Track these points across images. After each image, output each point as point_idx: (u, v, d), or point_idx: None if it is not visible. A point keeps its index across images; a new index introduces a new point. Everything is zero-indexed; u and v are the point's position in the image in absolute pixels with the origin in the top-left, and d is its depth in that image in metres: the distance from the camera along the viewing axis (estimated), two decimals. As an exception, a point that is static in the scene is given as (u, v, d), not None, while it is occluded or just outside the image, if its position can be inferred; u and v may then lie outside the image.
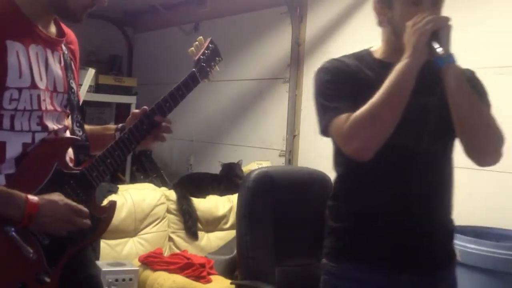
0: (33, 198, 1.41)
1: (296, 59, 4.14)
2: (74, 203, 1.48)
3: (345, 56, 1.73)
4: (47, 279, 1.48)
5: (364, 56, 1.71)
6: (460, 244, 2.62)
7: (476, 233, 2.73)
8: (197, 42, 1.68)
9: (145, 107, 1.65)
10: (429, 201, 1.61)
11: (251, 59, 4.55)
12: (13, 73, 1.42)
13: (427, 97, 1.61)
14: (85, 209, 1.50)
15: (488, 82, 2.91)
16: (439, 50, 1.48)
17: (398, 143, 1.55)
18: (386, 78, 1.55)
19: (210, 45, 1.69)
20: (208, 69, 1.68)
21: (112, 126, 1.76)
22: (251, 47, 4.55)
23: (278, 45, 4.28)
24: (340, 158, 1.68)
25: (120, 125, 1.71)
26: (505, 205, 2.86)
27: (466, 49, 3.20)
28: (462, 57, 3.30)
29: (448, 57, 1.50)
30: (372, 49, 1.73)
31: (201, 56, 1.65)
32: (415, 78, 1.51)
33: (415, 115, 1.58)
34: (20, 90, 1.44)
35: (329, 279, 1.71)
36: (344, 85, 1.62)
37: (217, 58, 1.70)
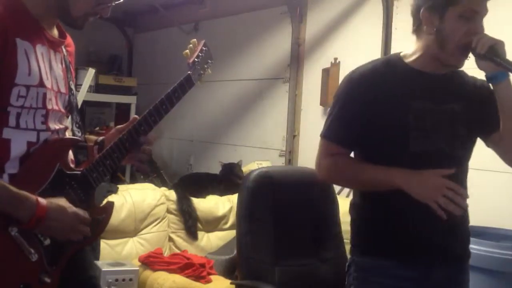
0: (42, 201, 1.42)
1: (296, 59, 4.14)
2: (80, 211, 1.50)
3: (376, 62, 1.76)
4: (48, 280, 1.49)
5: (396, 63, 1.74)
6: (460, 244, 2.62)
7: (476, 233, 2.73)
8: (191, 45, 1.69)
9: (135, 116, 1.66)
10: None
11: (251, 59, 4.56)
12: (22, 70, 1.43)
13: (453, 104, 1.69)
14: (88, 216, 1.52)
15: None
16: (505, 65, 1.57)
17: (428, 147, 1.65)
18: (416, 87, 1.67)
19: (204, 48, 1.71)
20: (201, 71, 1.70)
21: (92, 137, 1.76)
22: (251, 47, 4.55)
23: (278, 45, 4.28)
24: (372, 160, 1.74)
25: (99, 138, 1.71)
26: (505, 205, 2.86)
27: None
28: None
29: (506, 72, 1.60)
30: (402, 54, 1.76)
31: (196, 59, 1.67)
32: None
33: (444, 122, 1.67)
34: (28, 87, 1.45)
35: (362, 275, 1.75)
36: (359, 107, 1.69)
37: (209, 61, 1.72)
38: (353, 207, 1.82)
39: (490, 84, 1.66)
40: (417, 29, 1.71)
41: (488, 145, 1.76)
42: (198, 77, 1.68)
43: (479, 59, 1.62)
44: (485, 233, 2.74)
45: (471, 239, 2.55)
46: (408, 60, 1.73)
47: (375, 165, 1.67)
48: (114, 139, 1.61)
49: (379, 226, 1.73)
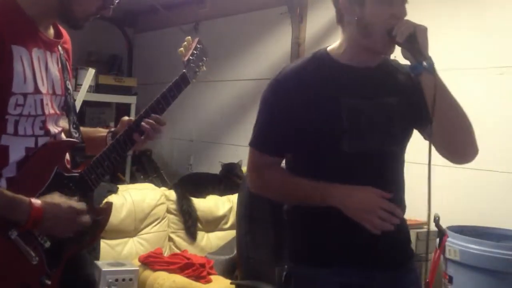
0: (36, 202, 1.41)
1: (296, 59, 4.13)
2: (75, 203, 1.48)
3: (303, 60, 1.67)
4: (48, 282, 1.49)
5: (322, 58, 1.65)
6: (460, 244, 2.62)
7: (476, 233, 2.73)
8: (185, 43, 1.68)
9: (131, 118, 1.66)
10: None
11: (251, 59, 4.55)
12: (18, 79, 1.42)
13: (388, 98, 1.61)
14: (83, 205, 1.50)
15: (488, 82, 2.93)
16: (421, 57, 1.49)
17: (362, 147, 1.57)
18: (346, 84, 1.58)
19: (198, 45, 1.69)
20: (196, 69, 1.68)
21: (102, 129, 1.77)
22: (251, 47, 4.55)
23: (278, 45, 4.28)
24: (293, 164, 1.68)
25: (112, 128, 1.72)
26: (505, 205, 2.86)
27: (466, 50, 3.21)
28: (462, 58, 3.31)
29: (428, 62, 1.50)
30: (329, 49, 1.66)
31: (190, 57, 1.66)
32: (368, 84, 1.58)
33: (380, 119, 1.59)
34: (25, 95, 1.44)
35: (301, 285, 1.65)
36: (286, 111, 1.59)
37: (204, 58, 1.70)
38: (287, 214, 1.73)
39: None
40: (340, 20, 1.62)
41: (425, 138, 1.64)
42: (193, 75, 1.67)
43: (401, 47, 1.53)
44: (485, 233, 2.74)
45: (471, 239, 2.58)
46: (335, 54, 1.63)
47: (308, 181, 1.57)
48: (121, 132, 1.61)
49: (314, 233, 1.64)
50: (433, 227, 2.84)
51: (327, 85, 1.59)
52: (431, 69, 1.50)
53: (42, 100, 1.49)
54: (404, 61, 1.60)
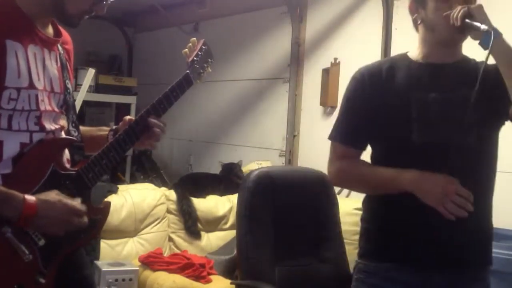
0: (30, 198, 1.40)
1: (296, 59, 4.14)
2: (72, 203, 1.47)
3: (381, 61, 1.78)
4: (43, 280, 1.48)
5: (399, 58, 1.74)
6: (460, 244, 2.62)
7: (476, 233, 2.73)
8: (190, 44, 1.69)
9: (132, 118, 1.66)
10: None
11: (251, 59, 4.55)
12: (11, 73, 1.42)
13: (463, 91, 1.62)
14: (82, 207, 1.49)
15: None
16: (482, 27, 1.51)
17: (433, 138, 1.60)
18: (421, 79, 1.64)
19: (203, 47, 1.70)
20: (201, 70, 1.69)
21: (105, 127, 1.76)
22: (251, 47, 4.55)
23: (278, 45, 4.28)
24: (374, 157, 1.73)
25: (114, 127, 1.71)
26: (505, 205, 2.85)
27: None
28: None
29: (494, 32, 1.52)
30: (408, 53, 1.75)
31: (195, 58, 1.66)
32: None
33: (451, 111, 1.61)
34: (18, 90, 1.44)
35: (365, 278, 1.70)
36: (364, 106, 1.68)
37: (209, 60, 1.71)
38: (362, 208, 1.79)
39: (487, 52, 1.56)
40: (414, 24, 1.73)
41: None
42: (197, 76, 1.67)
43: (465, 33, 1.59)
44: (485, 233, 2.74)
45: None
46: (413, 55, 1.72)
47: (385, 168, 1.63)
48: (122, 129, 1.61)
49: (380, 228, 1.69)
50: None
51: (402, 80, 1.67)
52: (497, 35, 1.52)
53: (37, 96, 1.48)
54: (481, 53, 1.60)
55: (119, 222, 3.49)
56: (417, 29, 1.72)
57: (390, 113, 1.65)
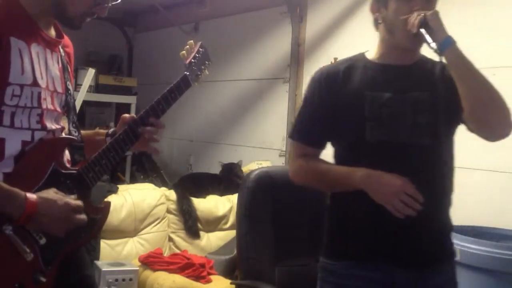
0: (31, 196, 1.40)
1: (296, 59, 4.13)
2: (72, 201, 1.47)
3: (339, 61, 1.78)
4: (43, 279, 1.48)
5: (357, 58, 1.76)
6: (460, 244, 2.62)
7: (476, 233, 2.73)
8: (188, 46, 1.70)
9: (133, 115, 1.67)
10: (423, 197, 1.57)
11: (251, 59, 4.55)
12: (15, 70, 1.43)
13: (417, 93, 1.65)
14: (79, 203, 1.49)
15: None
16: (431, 45, 1.53)
17: (385, 138, 1.62)
18: (376, 79, 1.66)
19: (201, 49, 1.72)
20: (198, 72, 1.71)
21: (102, 131, 1.77)
22: (251, 47, 4.55)
23: (278, 45, 4.28)
24: (336, 158, 1.77)
25: (110, 130, 1.72)
26: (505, 205, 2.86)
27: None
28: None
29: (446, 41, 1.54)
30: (366, 53, 1.77)
31: (193, 60, 1.68)
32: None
33: (405, 112, 1.63)
34: (22, 86, 1.45)
35: (327, 277, 1.73)
36: (322, 105, 1.71)
37: (206, 62, 1.73)
38: (326, 209, 1.83)
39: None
40: (375, 24, 1.74)
41: (468, 129, 1.66)
42: (195, 77, 1.69)
43: (420, 41, 1.59)
44: (485, 233, 2.74)
45: (471, 239, 2.57)
46: (371, 55, 1.74)
47: (340, 166, 1.69)
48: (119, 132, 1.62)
49: (341, 227, 1.73)
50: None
51: (358, 80, 1.68)
52: (448, 44, 1.54)
53: (39, 93, 1.49)
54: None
55: (119, 222, 3.49)
56: (377, 28, 1.73)
57: (345, 112, 1.68)
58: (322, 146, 1.78)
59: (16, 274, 1.44)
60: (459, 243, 2.63)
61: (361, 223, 1.66)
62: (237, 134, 4.67)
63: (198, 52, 1.70)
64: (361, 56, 1.76)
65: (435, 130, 1.65)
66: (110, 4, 1.57)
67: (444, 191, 1.69)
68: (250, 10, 4.56)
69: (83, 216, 1.49)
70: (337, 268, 1.69)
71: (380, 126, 1.63)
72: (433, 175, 1.65)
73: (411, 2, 1.60)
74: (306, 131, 1.77)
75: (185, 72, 1.66)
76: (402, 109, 1.63)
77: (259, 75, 4.47)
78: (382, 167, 1.59)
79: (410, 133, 1.63)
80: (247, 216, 2.28)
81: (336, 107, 1.68)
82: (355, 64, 1.73)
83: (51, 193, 1.45)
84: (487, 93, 1.56)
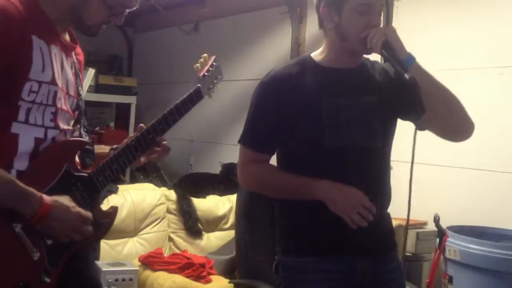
0: (47, 198, 1.42)
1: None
2: (83, 212, 1.50)
3: (287, 64, 1.79)
4: (48, 279, 1.48)
5: (305, 62, 1.76)
6: (460, 244, 2.62)
7: (476, 233, 2.74)
8: (201, 59, 1.73)
9: (141, 124, 1.69)
10: (369, 194, 1.65)
11: (251, 59, 4.55)
12: (36, 67, 1.45)
13: (367, 96, 1.70)
14: (89, 215, 1.52)
15: (487, 82, 2.93)
16: (394, 62, 1.59)
17: (343, 143, 1.66)
18: (328, 84, 1.68)
19: (214, 63, 1.75)
20: (211, 86, 1.74)
21: (104, 146, 1.80)
22: (251, 47, 4.55)
23: (278, 45, 4.28)
24: (282, 161, 1.78)
25: (114, 146, 1.74)
26: (505, 205, 2.86)
27: (466, 50, 3.21)
28: (462, 58, 3.32)
29: (409, 59, 1.61)
30: (312, 54, 1.78)
31: (206, 73, 1.70)
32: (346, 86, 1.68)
33: (358, 116, 1.67)
34: (40, 83, 1.46)
35: (293, 274, 1.74)
36: (272, 110, 1.71)
37: (219, 76, 1.76)
38: (275, 207, 1.83)
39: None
40: (322, 26, 1.75)
41: (418, 128, 1.74)
42: (207, 91, 1.72)
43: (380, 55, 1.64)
44: (485, 233, 2.74)
45: (471, 239, 2.58)
46: (318, 58, 1.75)
47: (295, 175, 1.69)
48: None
49: (299, 225, 1.74)
50: (433, 227, 2.85)
51: (310, 85, 1.69)
52: (411, 62, 1.61)
53: (56, 92, 1.51)
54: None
55: (119, 222, 3.49)
56: (324, 30, 1.75)
57: (302, 118, 1.68)
58: (273, 152, 1.78)
59: (21, 272, 1.45)
60: (459, 243, 2.64)
61: (315, 219, 1.70)
62: (237, 134, 4.63)
63: (211, 66, 1.73)
64: (308, 59, 1.77)
65: (384, 132, 1.72)
66: (126, 12, 1.60)
67: (387, 189, 1.77)
68: (250, 10, 4.56)
69: (90, 228, 1.51)
70: (301, 265, 1.71)
71: (338, 132, 1.66)
72: (381, 176, 1.74)
73: (367, 17, 1.63)
74: (258, 137, 1.75)
75: (198, 85, 1.69)
76: (357, 114, 1.67)
77: (259, 75, 4.43)
78: (339, 172, 1.65)
79: (365, 137, 1.68)
80: (246, 216, 2.28)
81: (292, 112, 1.68)
82: (305, 67, 1.73)
83: (66, 200, 1.47)
84: (451, 100, 1.66)
